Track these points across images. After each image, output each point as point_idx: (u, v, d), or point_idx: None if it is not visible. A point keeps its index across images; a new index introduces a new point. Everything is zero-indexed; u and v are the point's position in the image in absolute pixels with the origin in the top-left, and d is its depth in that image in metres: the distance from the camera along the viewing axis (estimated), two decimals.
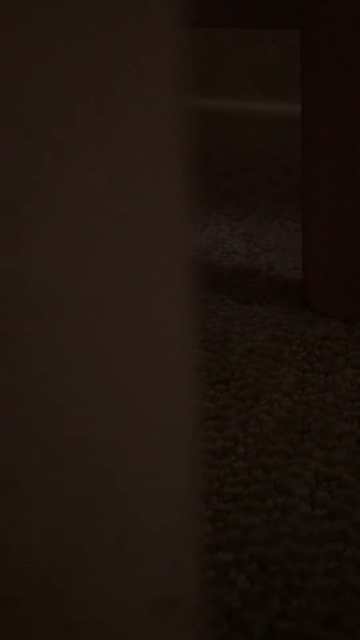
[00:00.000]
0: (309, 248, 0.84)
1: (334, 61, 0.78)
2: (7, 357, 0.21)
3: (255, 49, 1.29)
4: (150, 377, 0.24)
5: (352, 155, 0.80)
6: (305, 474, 0.62)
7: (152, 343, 0.24)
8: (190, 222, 0.24)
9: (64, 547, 0.23)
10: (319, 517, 0.58)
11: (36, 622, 0.23)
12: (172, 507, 0.25)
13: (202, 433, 0.66)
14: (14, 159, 0.20)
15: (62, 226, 0.21)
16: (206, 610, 0.50)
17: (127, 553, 0.24)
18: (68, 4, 0.21)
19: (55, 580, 0.23)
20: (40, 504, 0.23)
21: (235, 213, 1.09)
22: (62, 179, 0.21)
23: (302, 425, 0.67)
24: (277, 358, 0.76)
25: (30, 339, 0.22)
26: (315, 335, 0.80)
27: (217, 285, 0.90)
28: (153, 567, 0.25)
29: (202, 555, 0.54)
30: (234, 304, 0.86)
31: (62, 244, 0.22)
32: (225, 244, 1.00)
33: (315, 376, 0.74)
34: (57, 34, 0.20)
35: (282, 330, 0.81)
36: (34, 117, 0.21)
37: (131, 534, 0.24)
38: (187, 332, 0.24)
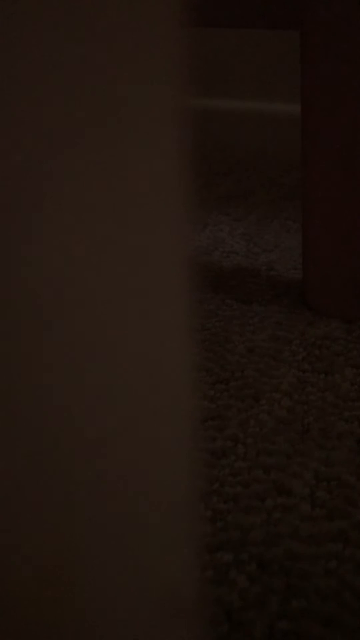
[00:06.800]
0: (309, 248, 0.84)
1: (334, 61, 0.78)
2: (7, 356, 0.21)
3: (255, 49, 1.29)
4: (150, 377, 0.24)
5: (352, 155, 0.80)
6: (305, 474, 0.62)
7: (151, 343, 0.24)
8: (190, 222, 0.24)
9: (63, 547, 0.23)
10: (318, 517, 0.58)
11: (36, 623, 0.23)
12: (171, 507, 0.25)
13: (202, 433, 0.66)
14: (14, 160, 0.20)
15: (61, 226, 0.21)
16: (206, 610, 0.50)
17: (126, 553, 0.24)
18: (68, 3, 0.21)
19: (54, 581, 0.23)
20: (39, 504, 0.23)
21: (235, 213, 1.09)
22: (61, 179, 0.21)
23: (302, 425, 0.67)
24: (277, 358, 0.76)
25: (30, 340, 0.22)
26: (315, 335, 0.80)
27: (217, 285, 0.90)
28: (153, 567, 0.25)
29: (202, 555, 0.54)
30: (234, 304, 0.86)
31: (61, 244, 0.22)
32: (225, 244, 1.00)
33: (315, 376, 0.74)
34: (57, 33, 0.20)
35: (282, 330, 0.81)
36: (34, 116, 0.21)
37: (131, 534, 0.24)
38: (187, 332, 0.24)
